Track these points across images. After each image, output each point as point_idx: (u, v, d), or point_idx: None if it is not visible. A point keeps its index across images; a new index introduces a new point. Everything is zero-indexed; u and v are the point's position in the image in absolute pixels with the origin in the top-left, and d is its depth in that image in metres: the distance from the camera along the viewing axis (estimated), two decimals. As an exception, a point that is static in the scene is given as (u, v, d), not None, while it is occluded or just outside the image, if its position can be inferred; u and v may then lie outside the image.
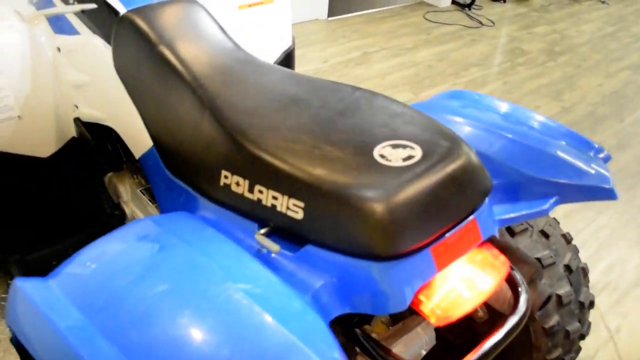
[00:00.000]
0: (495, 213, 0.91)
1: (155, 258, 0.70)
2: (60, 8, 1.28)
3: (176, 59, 1.05)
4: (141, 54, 1.10)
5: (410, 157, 0.74)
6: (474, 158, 0.78)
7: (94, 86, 1.27)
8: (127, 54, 1.13)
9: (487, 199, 0.81)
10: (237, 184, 0.81)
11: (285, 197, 0.75)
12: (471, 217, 0.76)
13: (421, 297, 0.73)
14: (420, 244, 0.70)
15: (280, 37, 1.74)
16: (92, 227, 1.61)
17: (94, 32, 1.23)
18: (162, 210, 1.09)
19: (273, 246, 0.75)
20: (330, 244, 0.72)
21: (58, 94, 1.38)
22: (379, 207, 0.68)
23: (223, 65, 1.06)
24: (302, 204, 0.73)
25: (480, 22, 4.37)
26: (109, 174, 1.48)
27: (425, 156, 0.75)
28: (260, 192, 0.78)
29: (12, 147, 1.37)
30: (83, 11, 1.25)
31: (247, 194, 0.80)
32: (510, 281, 0.86)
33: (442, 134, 0.80)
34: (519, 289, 0.84)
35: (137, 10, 1.16)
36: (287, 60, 1.78)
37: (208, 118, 0.91)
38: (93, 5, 1.22)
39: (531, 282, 0.94)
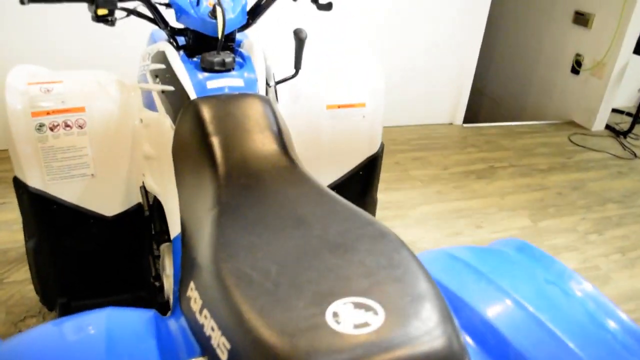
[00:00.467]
0: None
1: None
2: (149, 85, 1.37)
3: (215, 152, 1.05)
4: (192, 140, 1.12)
5: (363, 325, 0.63)
6: (452, 354, 0.63)
7: (158, 161, 1.32)
8: (183, 138, 1.16)
9: None
10: (195, 300, 0.76)
11: (219, 333, 0.67)
12: None
13: None
14: None
15: (368, 141, 1.70)
16: (138, 290, 1.64)
17: (167, 112, 1.29)
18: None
19: None
20: None
21: (131, 161, 1.45)
22: None
23: (255, 168, 1.03)
24: (229, 346, 0.65)
25: (634, 154, 3.96)
26: (166, 244, 1.51)
27: (381, 329, 0.63)
28: (205, 317, 0.71)
29: (82, 202, 1.45)
30: (163, 91, 1.31)
31: (198, 315, 0.74)
32: None
33: (428, 306, 0.67)
34: None
35: (205, 99, 1.19)
36: (371, 166, 1.72)
37: (209, 220, 0.88)
38: (171, 88, 1.28)
39: None
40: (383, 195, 2.97)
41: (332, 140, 1.65)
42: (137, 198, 1.50)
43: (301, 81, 1.62)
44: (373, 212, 1.84)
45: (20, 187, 1.41)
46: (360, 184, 1.74)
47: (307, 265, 0.74)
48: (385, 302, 0.67)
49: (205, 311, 0.72)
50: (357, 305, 0.66)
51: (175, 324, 0.81)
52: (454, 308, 0.86)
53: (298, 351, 0.60)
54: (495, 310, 0.83)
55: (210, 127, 1.11)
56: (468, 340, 0.82)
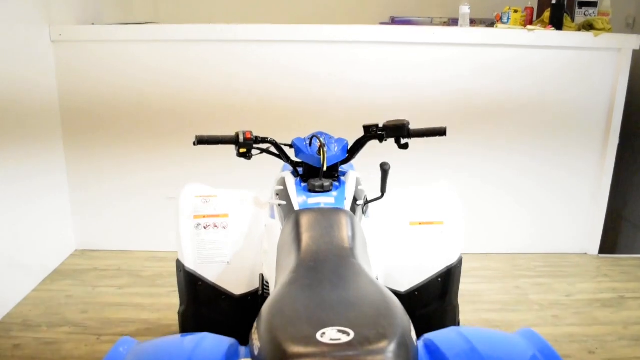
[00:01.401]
0: None
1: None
2: (271, 200, 1.91)
3: (300, 243, 1.51)
4: (290, 236, 1.60)
5: (336, 340, 1.00)
6: None
7: (270, 255, 1.82)
8: (285, 235, 1.65)
9: None
10: (254, 330, 1.18)
11: (256, 335, 1.09)
12: None
13: None
14: None
15: (446, 254, 2.03)
16: None
17: (280, 219, 1.81)
18: None
19: None
20: None
21: (255, 254, 1.97)
22: (281, 356, 0.97)
23: (324, 256, 1.46)
24: (259, 345, 1.06)
25: None
26: None
27: (346, 344, 0.99)
28: (252, 334, 1.14)
29: (218, 282, 1.99)
30: (279, 205, 1.84)
31: (253, 337, 1.16)
32: None
33: (385, 337, 1.02)
34: None
35: (305, 210, 1.69)
36: (449, 274, 2.03)
37: (279, 285, 1.32)
38: (284, 202, 1.81)
39: None
40: (496, 314, 3.12)
41: (413, 251, 2.02)
42: (257, 283, 1.99)
43: (390, 203, 2.05)
44: (453, 317, 2.10)
45: (179, 267, 1.99)
46: (439, 290, 2.05)
47: (321, 310, 1.13)
48: (358, 329, 1.03)
49: (255, 332, 1.14)
50: (339, 331, 1.04)
51: (244, 350, 1.23)
52: (432, 355, 1.16)
53: (296, 344, 0.99)
54: (452, 351, 1.12)
55: (302, 227, 1.59)
56: None
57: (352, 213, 1.73)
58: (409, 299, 2.03)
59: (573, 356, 2.74)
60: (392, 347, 1.00)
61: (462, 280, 2.10)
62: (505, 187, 3.92)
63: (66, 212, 3.87)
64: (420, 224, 2.02)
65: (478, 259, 3.91)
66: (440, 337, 1.25)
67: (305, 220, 1.63)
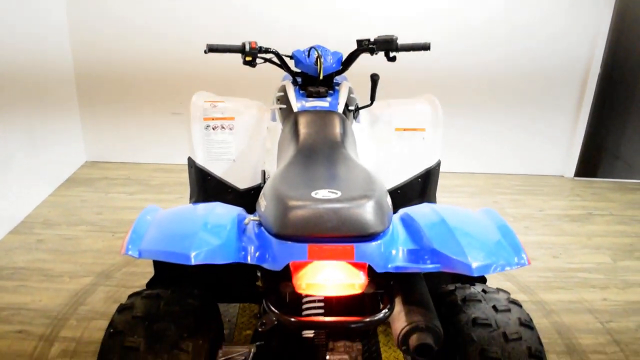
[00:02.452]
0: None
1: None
2: (274, 105, 2.16)
3: (298, 137, 1.77)
4: (289, 133, 1.85)
5: (327, 196, 1.28)
6: (363, 214, 1.23)
7: (272, 153, 2.08)
8: (285, 133, 1.90)
9: (377, 242, 1.26)
10: (261, 198, 1.45)
11: (263, 199, 1.37)
12: (350, 244, 1.23)
13: (296, 275, 1.23)
14: (300, 238, 1.22)
15: (426, 157, 2.30)
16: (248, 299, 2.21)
17: (281, 120, 2.06)
18: None
19: (249, 220, 1.37)
20: (266, 227, 1.30)
21: (258, 153, 2.23)
22: (284, 207, 1.24)
23: (319, 147, 1.72)
24: (265, 203, 1.34)
25: None
26: None
27: (334, 200, 1.27)
28: (259, 200, 1.41)
29: (225, 177, 2.26)
30: (280, 109, 2.09)
31: (260, 201, 1.43)
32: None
33: (366, 197, 1.29)
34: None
35: (303, 112, 1.94)
36: (427, 175, 2.31)
37: (280, 168, 1.59)
38: (284, 106, 2.05)
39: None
40: (474, 223, 3.44)
41: (397, 154, 2.29)
42: (260, 179, 2.27)
43: (378, 110, 2.30)
44: None
45: (191, 163, 2.26)
46: (419, 189, 2.33)
47: (315, 180, 1.41)
48: (344, 189, 1.31)
49: (262, 197, 1.42)
50: (330, 191, 1.31)
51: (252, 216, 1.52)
52: (407, 225, 1.43)
53: (295, 200, 1.26)
54: (426, 223, 1.40)
55: (300, 126, 1.84)
56: (401, 230, 1.40)
57: (344, 116, 1.98)
58: (392, 196, 2.32)
59: (539, 259, 3.07)
60: (371, 204, 1.27)
61: (443, 195, 2.38)
62: (491, 115, 4.16)
63: (76, 126, 4.11)
64: (404, 130, 2.28)
65: (461, 177, 4.21)
66: (415, 210, 1.52)
67: (302, 120, 1.88)
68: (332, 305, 1.53)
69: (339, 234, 1.24)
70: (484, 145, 4.25)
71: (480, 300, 1.49)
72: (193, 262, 1.22)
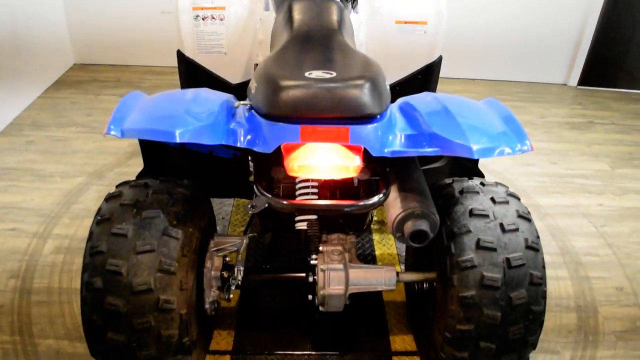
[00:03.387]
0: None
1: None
2: None
3: (292, 23, 1.66)
4: (283, 21, 1.74)
5: (322, 76, 1.20)
6: (360, 94, 1.16)
7: (264, 44, 1.96)
8: (278, 22, 1.79)
9: (374, 125, 1.19)
10: (252, 81, 1.37)
11: (254, 81, 1.29)
12: (345, 125, 1.17)
13: (288, 157, 1.18)
14: (292, 119, 1.15)
15: (426, 52, 2.19)
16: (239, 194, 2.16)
17: (274, 9, 1.93)
18: None
19: (239, 104, 1.30)
20: (256, 109, 1.23)
21: (251, 46, 2.12)
22: (275, 87, 1.17)
23: (314, 32, 1.61)
24: (255, 85, 1.26)
25: None
26: None
27: (329, 79, 1.19)
28: (250, 84, 1.33)
29: (216, 70, 2.16)
30: None
31: (250, 86, 1.35)
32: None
33: (362, 77, 1.21)
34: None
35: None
36: (428, 71, 2.21)
37: (274, 51, 1.49)
38: None
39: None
40: (472, 130, 3.37)
41: (398, 48, 2.17)
42: (252, 73, 2.17)
43: (377, 1, 2.16)
44: None
45: (180, 56, 2.15)
46: (419, 85, 2.24)
47: (310, 61, 1.32)
48: (339, 70, 1.23)
49: (252, 81, 1.33)
50: (324, 72, 1.23)
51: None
52: (406, 112, 1.37)
53: (287, 80, 1.19)
54: (426, 110, 1.33)
55: (295, 12, 1.72)
56: (399, 117, 1.34)
57: (341, 4, 1.85)
58: (391, 92, 2.24)
59: (537, 164, 3.04)
60: (367, 85, 1.19)
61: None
62: (496, 20, 3.98)
63: (62, 27, 3.93)
64: (405, 22, 2.15)
65: (463, 83, 4.10)
66: (415, 98, 1.44)
67: (297, 7, 1.76)
68: (326, 192, 1.49)
69: (334, 115, 1.17)
70: (486, 50, 4.10)
71: (478, 192, 1.45)
72: (178, 139, 1.16)
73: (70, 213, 2.44)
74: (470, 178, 1.56)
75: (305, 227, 1.55)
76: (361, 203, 1.29)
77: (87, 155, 2.92)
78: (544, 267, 1.35)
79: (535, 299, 1.32)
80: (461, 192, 1.46)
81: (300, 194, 1.49)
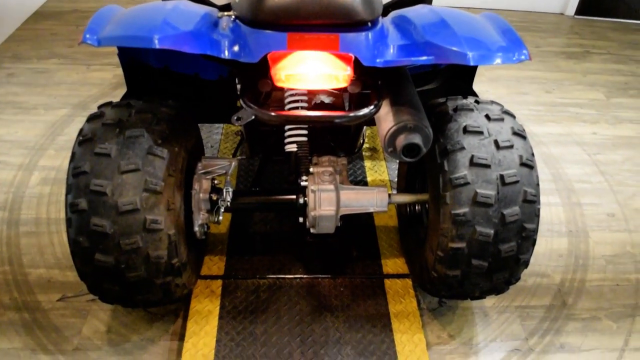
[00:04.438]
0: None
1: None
2: None
3: None
4: None
5: None
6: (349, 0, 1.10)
7: None
8: None
9: (365, 33, 1.13)
10: None
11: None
12: (335, 33, 1.11)
13: (275, 66, 1.12)
14: (278, 26, 1.09)
15: None
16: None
17: None
18: None
19: (223, 14, 1.23)
20: (241, 17, 1.16)
21: None
22: None
23: None
24: None
25: None
26: None
27: None
28: None
29: None
30: None
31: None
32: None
33: None
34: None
35: None
36: None
37: None
38: None
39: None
40: (467, 59, 3.29)
41: None
42: None
43: None
44: None
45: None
46: (412, 4, 2.15)
47: None
48: None
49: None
50: None
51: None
52: (400, 23, 1.30)
53: None
54: (421, 21, 1.26)
55: None
56: (392, 27, 1.28)
57: None
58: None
59: (531, 93, 2.99)
60: None
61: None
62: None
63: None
64: None
65: (457, 14, 3.98)
66: (410, 10, 1.36)
67: None
68: (316, 107, 1.44)
69: (322, 22, 1.11)
70: (482, -22, 3.97)
71: (472, 110, 1.41)
72: (157, 44, 1.09)
73: (56, 145, 2.39)
74: (465, 97, 1.51)
75: (295, 149, 1.51)
76: (352, 114, 1.25)
77: (70, 87, 2.83)
78: (538, 184, 1.32)
79: (528, 216, 1.30)
80: (455, 109, 1.41)
81: (289, 107, 1.44)
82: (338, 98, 1.43)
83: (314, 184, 1.46)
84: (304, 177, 1.49)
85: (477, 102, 1.46)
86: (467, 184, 1.28)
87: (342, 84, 1.16)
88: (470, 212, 1.27)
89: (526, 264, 1.39)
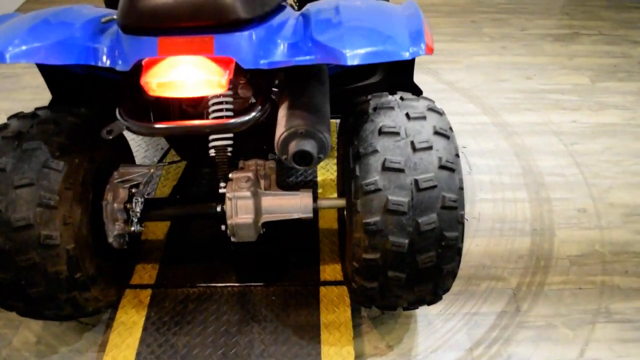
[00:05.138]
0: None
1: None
2: None
3: None
4: None
5: None
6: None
7: None
8: None
9: (245, 33, 1.04)
10: None
11: None
12: (209, 35, 1.02)
13: (145, 74, 1.04)
14: (149, 30, 1.01)
15: None
16: None
17: None
18: None
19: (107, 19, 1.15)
20: (118, 23, 1.08)
21: None
22: None
23: None
24: None
25: None
26: None
27: None
28: None
29: None
30: None
31: None
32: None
33: None
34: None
35: None
36: None
37: None
38: None
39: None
40: (445, 45, 3.16)
41: None
42: None
43: None
44: None
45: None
46: None
47: None
48: None
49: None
50: None
51: None
52: (298, 21, 1.20)
53: None
54: (320, 16, 1.17)
55: None
56: (290, 24, 1.18)
57: None
58: None
59: (509, 80, 2.85)
60: None
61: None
62: None
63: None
64: None
65: (441, -4, 3.84)
66: (318, 4, 1.26)
67: None
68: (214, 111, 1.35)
69: (195, 23, 1.02)
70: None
71: (392, 108, 1.30)
72: (7, 59, 1.02)
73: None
74: (395, 93, 1.40)
75: (214, 154, 1.43)
76: (229, 122, 1.15)
77: (34, 91, 2.79)
78: (461, 188, 1.21)
79: (449, 224, 1.19)
80: (375, 108, 1.31)
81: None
82: (241, 104, 1.33)
83: (231, 191, 1.37)
84: (222, 184, 1.42)
85: (402, 98, 1.35)
86: (378, 190, 1.18)
87: (220, 89, 1.07)
88: (381, 221, 1.18)
89: (453, 274, 1.29)
